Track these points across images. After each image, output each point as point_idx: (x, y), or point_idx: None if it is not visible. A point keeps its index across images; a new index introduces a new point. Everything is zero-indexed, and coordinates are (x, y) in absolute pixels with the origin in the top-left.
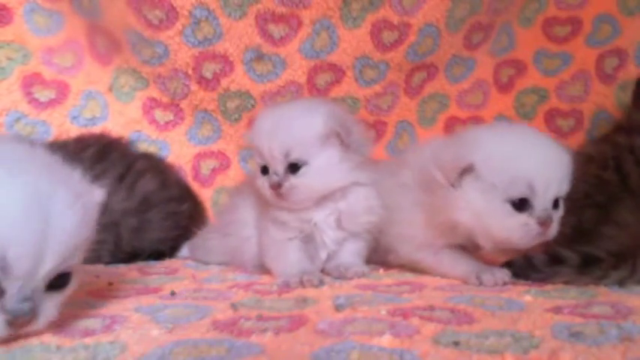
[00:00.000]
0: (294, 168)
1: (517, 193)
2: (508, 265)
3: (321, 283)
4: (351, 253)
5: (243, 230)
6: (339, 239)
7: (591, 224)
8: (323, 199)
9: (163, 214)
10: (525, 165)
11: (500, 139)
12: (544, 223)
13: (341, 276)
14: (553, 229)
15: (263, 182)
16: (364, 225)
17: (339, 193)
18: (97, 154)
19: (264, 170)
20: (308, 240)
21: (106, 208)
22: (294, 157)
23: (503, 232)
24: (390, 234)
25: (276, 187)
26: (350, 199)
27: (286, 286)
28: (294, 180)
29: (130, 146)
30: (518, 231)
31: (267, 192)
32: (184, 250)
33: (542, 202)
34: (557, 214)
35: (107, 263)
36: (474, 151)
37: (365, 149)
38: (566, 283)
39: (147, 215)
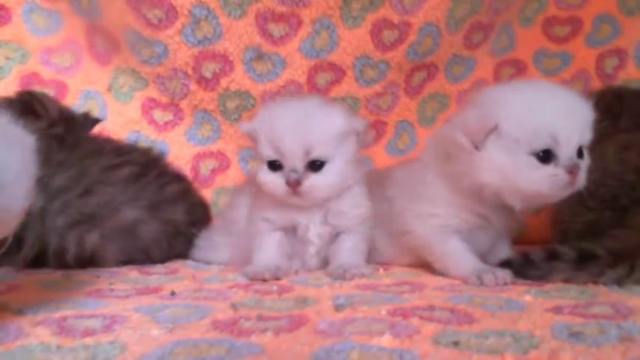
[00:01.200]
0: (313, 166)
1: (541, 144)
2: (507, 263)
3: (277, 279)
4: (351, 251)
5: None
6: (325, 234)
7: (606, 226)
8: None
9: (188, 238)
10: (546, 116)
11: (520, 95)
12: (572, 170)
13: (340, 277)
14: (581, 178)
15: (275, 179)
16: (352, 219)
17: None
18: (131, 177)
19: (273, 166)
20: (294, 235)
21: (136, 236)
22: (316, 154)
23: (531, 185)
24: (408, 214)
25: (295, 184)
26: (342, 197)
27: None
28: (314, 178)
29: (166, 167)
30: (547, 182)
31: (281, 189)
32: None
33: (566, 151)
34: (584, 163)
35: None
36: (497, 110)
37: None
38: (565, 280)
39: (173, 241)
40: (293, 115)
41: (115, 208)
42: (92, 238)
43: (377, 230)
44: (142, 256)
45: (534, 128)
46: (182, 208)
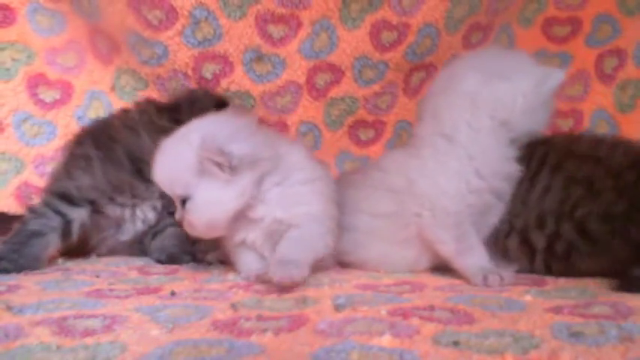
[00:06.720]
0: (184, 203)
1: None
2: (631, 279)
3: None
4: (294, 241)
5: None
6: (269, 236)
7: None
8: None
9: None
10: None
11: None
12: None
13: (268, 279)
14: None
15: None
16: (298, 217)
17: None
18: None
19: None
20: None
21: None
22: (179, 192)
23: None
24: (429, 187)
25: (179, 223)
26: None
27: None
28: (186, 215)
29: None
30: None
31: None
32: None
33: None
34: None
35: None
36: None
37: (272, 154)
38: None
39: None
40: (158, 152)
41: None
42: None
43: (376, 241)
44: None
45: None
46: None
